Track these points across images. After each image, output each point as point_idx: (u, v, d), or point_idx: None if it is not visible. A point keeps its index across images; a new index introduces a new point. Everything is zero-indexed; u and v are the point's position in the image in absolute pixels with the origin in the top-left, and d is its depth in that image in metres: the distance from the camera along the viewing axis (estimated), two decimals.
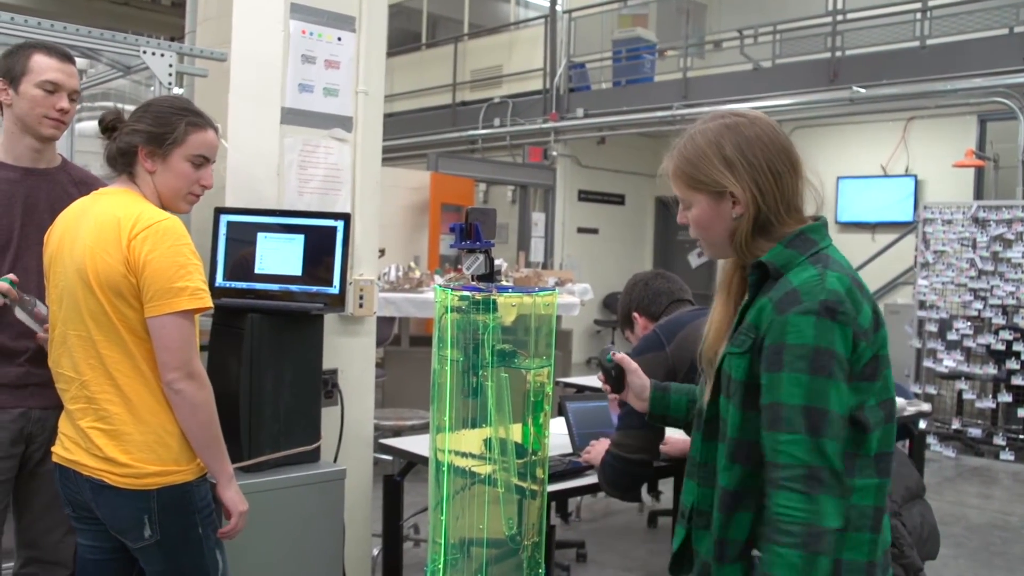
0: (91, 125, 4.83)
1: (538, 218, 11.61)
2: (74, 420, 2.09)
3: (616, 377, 2.04)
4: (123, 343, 2.05)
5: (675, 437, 2.97)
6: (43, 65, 2.44)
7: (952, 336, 7.33)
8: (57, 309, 2.12)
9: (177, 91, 3.18)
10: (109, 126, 2.19)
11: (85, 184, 2.59)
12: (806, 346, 1.49)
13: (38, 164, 2.53)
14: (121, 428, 2.04)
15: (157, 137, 2.15)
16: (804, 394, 1.48)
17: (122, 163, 2.18)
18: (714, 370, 1.70)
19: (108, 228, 2.05)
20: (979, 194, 9.48)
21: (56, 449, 2.16)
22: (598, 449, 2.92)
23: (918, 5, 8.88)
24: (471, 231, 2.34)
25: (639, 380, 2.04)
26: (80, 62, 4.59)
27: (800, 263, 1.59)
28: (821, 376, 1.48)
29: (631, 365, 2.04)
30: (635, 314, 3.02)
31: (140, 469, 2.03)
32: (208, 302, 2.09)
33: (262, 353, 2.74)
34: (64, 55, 2.51)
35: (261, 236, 2.94)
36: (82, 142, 4.55)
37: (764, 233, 1.63)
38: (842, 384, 1.50)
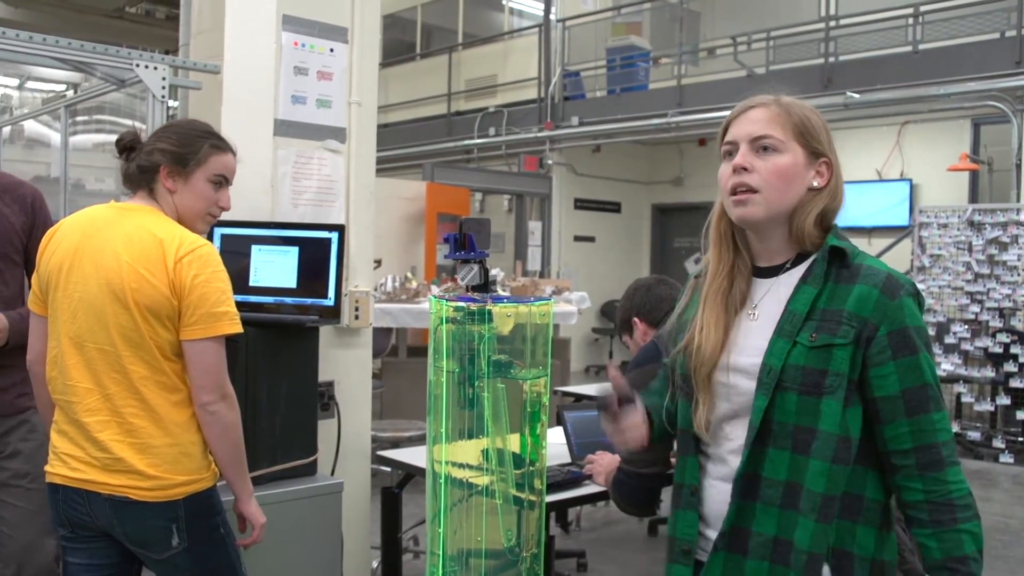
0: (85, 139, 4.84)
1: (534, 227, 11.62)
2: (91, 433, 2.04)
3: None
4: (153, 361, 2.06)
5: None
6: None
7: (950, 339, 7.33)
8: (68, 320, 2.08)
9: (172, 104, 3.18)
10: (128, 146, 2.20)
11: (7, 192, 2.59)
12: (923, 328, 1.53)
13: None
14: (148, 441, 2.05)
15: (180, 157, 2.19)
16: (933, 373, 1.53)
17: (142, 180, 2.19)
18: (705, 380, 1.61)
19: (149, 248, 2.07)
20: (974, 197, 9.49)
21: (55, 469, 2.10)
22: (605, 462, 2.90)
23: (910, 10, 8.91)
24: (465, 241, 2.33)
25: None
26: (74, 76, 4.61)
27: (859, 254, 1.59)
28: (932, 354, 1.57)
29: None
30: (636, 319, 3.01)
31: (167, 480, 2.06)
32: (241, 327, 2.15)
33: (257, 366, 2.73)
34: None
35: (255, 249, 2.94)
36: (75, 156, 4.54)
37: (820, 221, 1.60)
38: None
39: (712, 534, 1.62)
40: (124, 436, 2.04)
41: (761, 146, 1.58)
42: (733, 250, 1.67)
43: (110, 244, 2.08)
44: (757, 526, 1.55)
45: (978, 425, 7.41)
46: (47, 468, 2.13)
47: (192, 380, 2.09)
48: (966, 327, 7.28)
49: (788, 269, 1.61)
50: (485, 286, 2.35)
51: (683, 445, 1.70)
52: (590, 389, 2.80)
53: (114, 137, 2.26)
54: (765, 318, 1.59)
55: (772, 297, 1.61)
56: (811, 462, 1.51)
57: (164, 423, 2.07)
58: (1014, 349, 7.00)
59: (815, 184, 1.59)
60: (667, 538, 1.73)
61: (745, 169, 1.58)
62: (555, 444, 2.99)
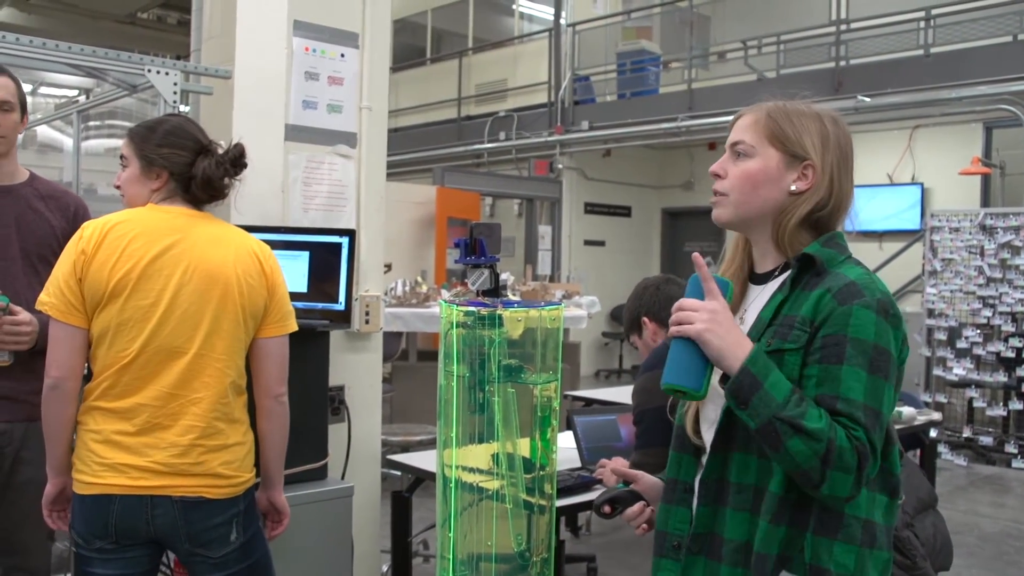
0: (97, 144, 4.87)
1: (544, 231, 11.62)
2: (169, 437, 2.05)
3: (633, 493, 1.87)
4: (240, 364, 2.18)
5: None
6: None
7: (962, 344, 7.29)
8: (154, 326, 2.06)
9: (183, 109, 3.19)
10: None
11: (53, 198, 2.61)
12: (867, 342, 1.45)
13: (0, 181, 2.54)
14: (224, 442, 2.12)
15: None
16: (864, 392, 1.43)
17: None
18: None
19: (248, 257, 2.19)
20: (986, 201, 9.44)
21: (107, 480, 2.05)
22: (616, 466, 2.89)
23: (922, 14, 8.88)
24: (475, 246, 2.33)
25: (648, 484, 1.86)
26: (86, 81, 4.64)
27: (843, 262, 1.57)
28: (879, 377, 1.45)
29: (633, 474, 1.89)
30: (645, 319, 2.97)
31: (238, 478, 2.15)
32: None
33: None
34: None
35: None
36: (88, 160, 4.57)
37: (811, 227, 1.60)
38: (893, 389, 1.48)
39: None
40: (206, 439, 2.09)
41: (736, 152, 1.63)
42: (742, 255, 1.70)
43: (210, 254, 2.13)
44: (728, 532, 1.56)
45: (990, 430, 7.36)
46: (91, 480, 2.07)
47: (269, 374, 2.22)
48: (978, 331, 7.23)
49: (776, 277, 1.62)
50: (495, 290, 2.36)
51: (679, 442, 1.71)
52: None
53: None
54: (746, 325, 1.61)
55: (756, 304, 1.62)
56: (774, 465, 1.50)
57: (237, 424, 2.16)
58: None
59: (794, 188, 1.59)
60: (656, 532, 1.74)
61: (719, 176, 1.64)
62: (565, 449, 2.99)
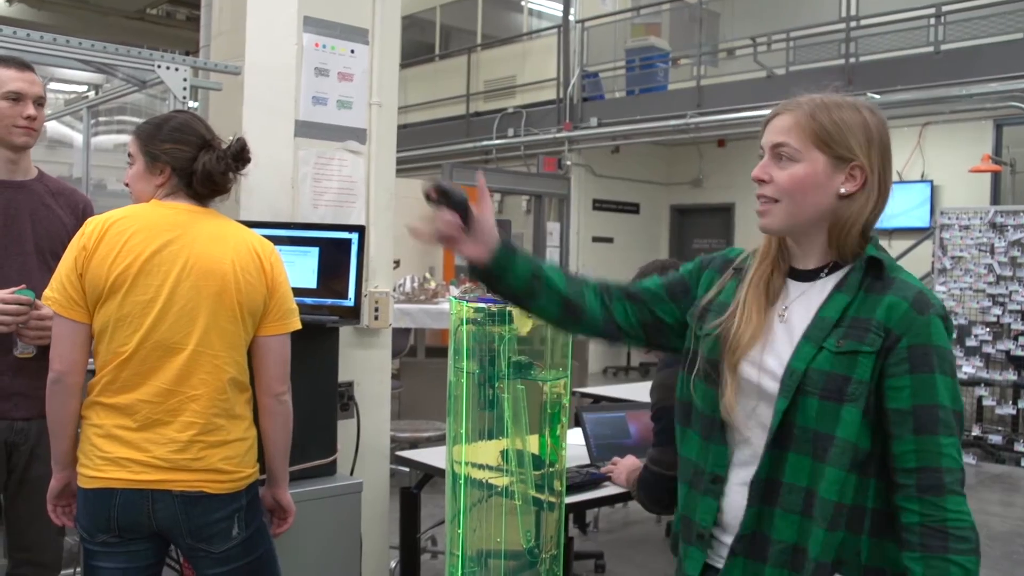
0: (107, 140, 4.88)
1: (553, 228, 11.60)
2: (169, 433, 2.05)
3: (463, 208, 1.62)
4: (241, 360, 2.17)
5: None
6: (3, 77, 2.47)
7: (971, 342, 7.27)
8: (152, 322, 2.06)
9: (192, 105, 3.20)
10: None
11: (62, 195, 2.64)
12: (946, 349, 1.50)
13: (15, 176, 2.56)
14: (225, 438, 2.12)
15: None
16: (952, 397, 1.49)
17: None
18: (737, 375, 1.59)
19: (247, 254, 2.17)
20: (996, 199, 9.42)
21: (109, 474, 2.06)
22: (624, 465, 2.88)
23: (932, 10, 8.85)
24: None
25: (487, 221, 1.66)
26: (96, 77, 4.65)
27: (898, 268, 1.57)
28: (955, 379, 1.51)
29: (484, 202, 1.67)
30: None
31: (239, 473, 2.14)
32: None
33: None
34: (21, 64, 2.53)
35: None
36: (97, 156, 4.58)
37: (863, 230, 1.57)
38: None
39: (725, 538, 1.61)
40: (206, 435, 2.09)
41: (779, 155, 1.57)
42: (776, 253, 1.65)
43: (209, 250, 2.12)
44: (776, 533, 1.54)
45: (999, 429, 7.33)
46: (93, 474, 2.08)
47: (269, 372, 2.21)
48: (988, 330, 7.21)
49: (823, 276, 1.59)
50: None
51: (707, 430, 1.65)
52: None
53: None
54: (793, 322, 1.58)
55: (803, 302, 1.59)
56: (827, 469, 1.49)
57: (239, 421, 2.15)
58: None
59: (843, 190, 1.55)
60: (681, 517, 1.70)
61: (763, 180, 1.58)
62: (574, 445, 2.99)
